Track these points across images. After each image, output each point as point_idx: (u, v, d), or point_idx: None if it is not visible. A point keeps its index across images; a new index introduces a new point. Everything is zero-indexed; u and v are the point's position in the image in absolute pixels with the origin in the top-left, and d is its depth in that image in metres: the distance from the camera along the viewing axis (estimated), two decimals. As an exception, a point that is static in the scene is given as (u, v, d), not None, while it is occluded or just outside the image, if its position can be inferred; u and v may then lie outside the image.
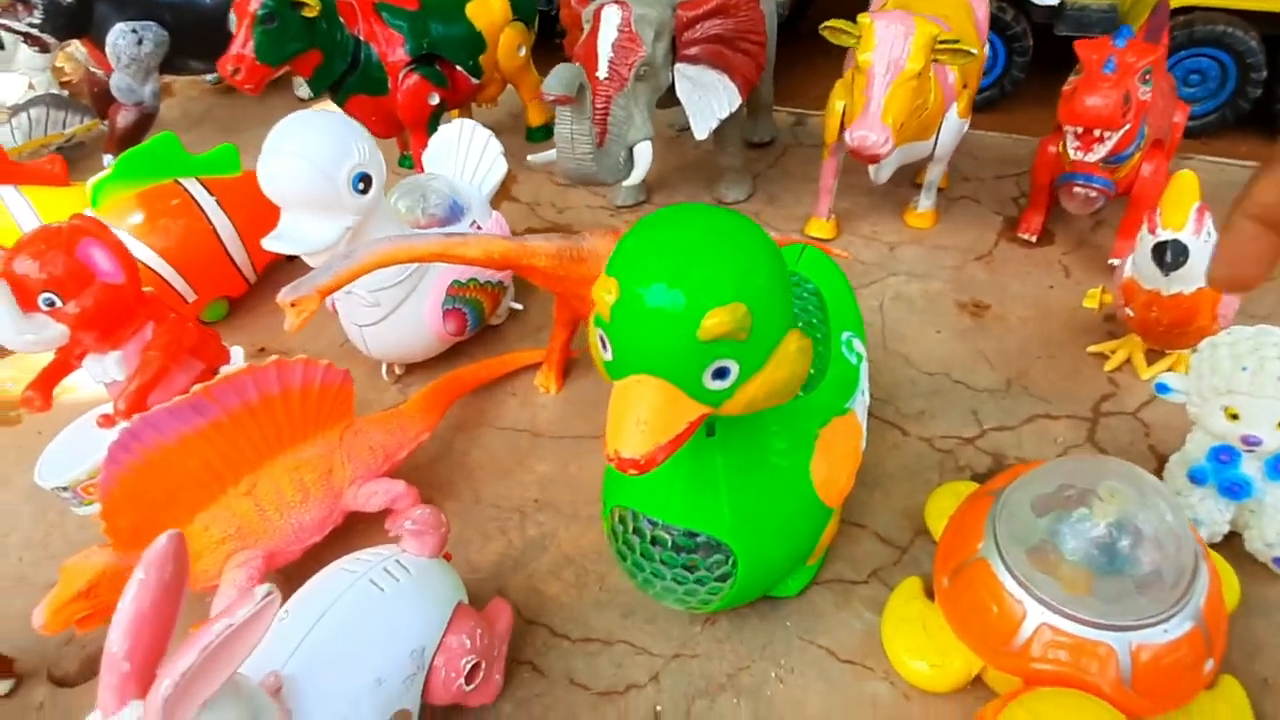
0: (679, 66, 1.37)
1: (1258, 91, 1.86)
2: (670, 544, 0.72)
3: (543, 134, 1.91)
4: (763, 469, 0.75)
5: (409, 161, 1.80)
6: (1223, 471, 0.97)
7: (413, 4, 1.56)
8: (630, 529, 0.75)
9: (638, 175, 1.32)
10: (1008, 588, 0.82)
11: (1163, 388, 1.02)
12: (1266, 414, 0.92)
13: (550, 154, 1.31)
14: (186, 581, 0.65)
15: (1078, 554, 0.80)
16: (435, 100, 1.59)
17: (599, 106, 1.29)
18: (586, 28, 1.32)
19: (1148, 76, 1.15)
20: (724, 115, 1.43)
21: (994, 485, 0.94)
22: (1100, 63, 1.12)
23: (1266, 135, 1.92)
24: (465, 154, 1.38)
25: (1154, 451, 1.14)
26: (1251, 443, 0.93)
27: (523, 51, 1.74)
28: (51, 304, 0.98)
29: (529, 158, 1.35)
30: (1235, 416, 0.94)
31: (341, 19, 1.48)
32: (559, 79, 1.18)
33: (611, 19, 1.28)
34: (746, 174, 1.68)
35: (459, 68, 1.63)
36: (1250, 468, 0.96)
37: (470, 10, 1.63)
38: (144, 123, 1.79)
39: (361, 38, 1.51)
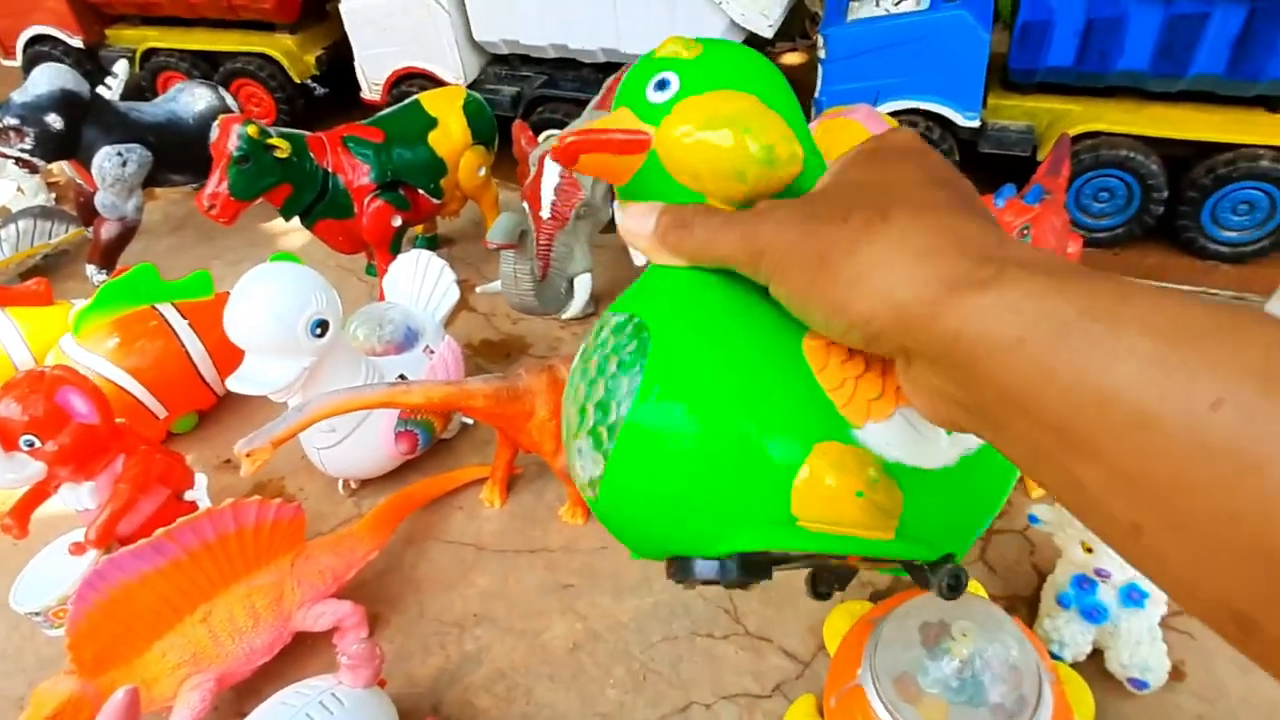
0: (617, 202, 1.51)
1: (1160, 209, 2.02)
2: (610, 326, 0.45)
3: (502, 243, 2.04)
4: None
5: (374, 270, 1.93)
6: (1084, 597, 1.09)
7: (378, 136, 1.69)
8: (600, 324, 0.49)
9: (576, 306, 1.45)
10: (878, 715, 0.93)
11: (1034, 519, 1.14)
12: (1115, 549, 1.04)
13: (495, 285, 1.44)
14: (139, 729, 0.75)
15: (936, 686, 0.91)
16: (398, 222, 1.72)
17: (543, 243, 1.42)
18: (532, 171, 1.46)
19: (1026, 233, 1.29)
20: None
21: (876, 613, 1.05)
22: (981, 221, 1.26)
23: (1172, 247, 2.08)
24: (421, 282, 1.51)
25: (1036, 570, 1.25)
26: (1103, 575, 1.05)
27: (483, 172, 1.88)
28: (31, 444, 1.08)
29: (477, 289, 1.48)
30: (1089, 550, 1.07)
31: (311, 153, 1.61)
32: (501, 229, 1.31)
33: (554, 165, 1.42)
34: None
35: (421, 191, 1.76)
36: (1107, 595, 1.08)
37: (432, 138, 1.77)
38: (126, 235, 1.91)
39: (329, 168, 1.64)
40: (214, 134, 1.50)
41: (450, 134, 1.79)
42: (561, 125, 2.36)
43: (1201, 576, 0.22)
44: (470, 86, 2.49)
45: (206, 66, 2.79)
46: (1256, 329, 0.22)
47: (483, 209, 2.00)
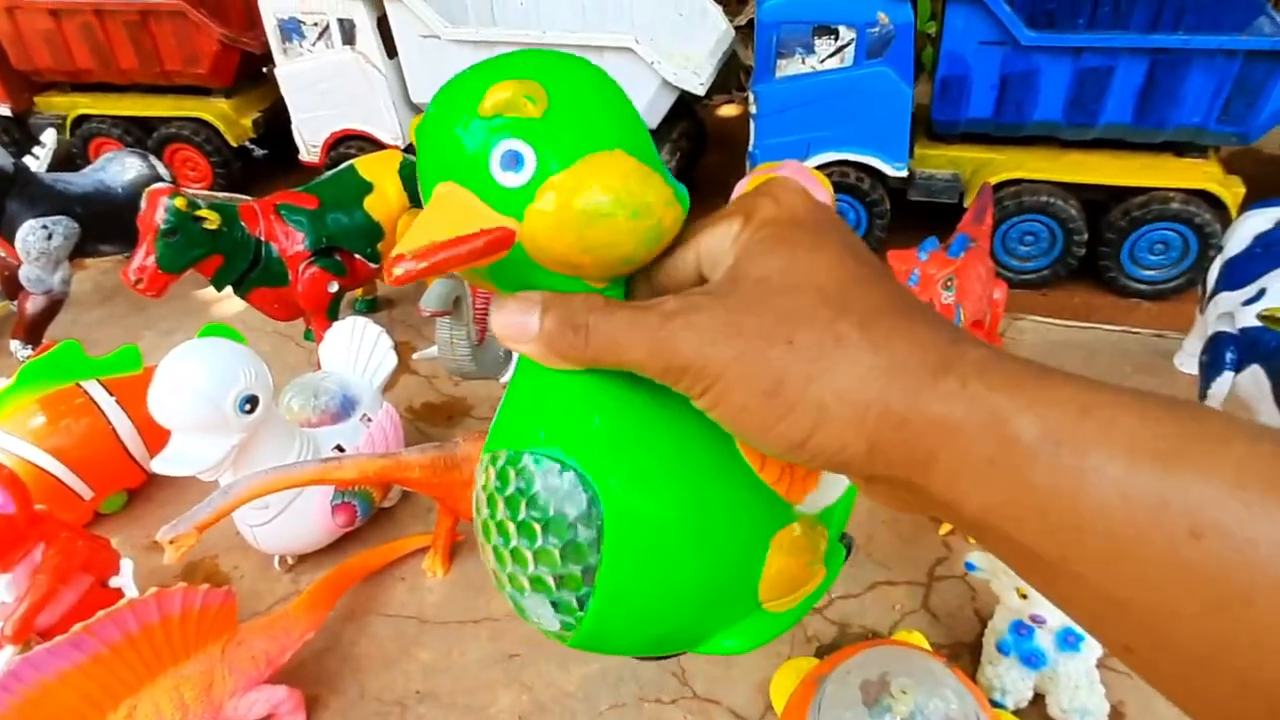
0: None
1: (1082, 251, 2.10)
2: (520, 468, 0.36)
3: (443, 304, 2.04)
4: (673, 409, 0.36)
5: (312, 335, 1.90)
6: (1022, 644, 1.10)
7: (312, 203, 1.69)
8: (495, 472, 0.38)
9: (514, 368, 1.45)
10: (824, 777, 0.93)
11: (970, 566, 1.16)
12: (1048, 595, 1.06)
13: (433, 350, 1.43)
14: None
15: (878, 746, 0.91)
16: (334, 288, 1.71)
17: (479, 307, 1.42)
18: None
19: (950, 283, 1.33)
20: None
21: (821, 670, 1.05)
22: (906, 274, 1.30)
23: (1096, 286, 2.17)
24: (357, 350, 1.49)
25: (978, 615, 1.27)
26: (1038, 620, 1.07)
27: (420, 234, 1.87)
28: (-59, 538, 1.04)
29: (414, 355, 1.47)
30: (1024, 596, 1.08)
31: (243, 223, 1.60)
32: (435, 296, 1.31)
33: (487, 231, 1.42)
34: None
35: (358, 256, 1.76)
36: (1044, 640, 1.09)
37: (368, 203, 1.77)
38: (53, 308, 1.86)
39: (262, 237, 1.63)
40: (143, 205, 1.48)
41: (386, 198, 1.79)
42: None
43: (1194, 702, 0.22)
44: (409, 148, 2.51)
45: (140, 132, 2.76)
46: (1223, 437, 0.22)
47: (422, 270, 1.99)
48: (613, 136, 0.33)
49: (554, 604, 0.35)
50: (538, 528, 0.34)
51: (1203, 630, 0.21)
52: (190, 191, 1.56)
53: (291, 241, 1.65)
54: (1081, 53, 1.92)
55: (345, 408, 1.41)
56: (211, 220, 1.49)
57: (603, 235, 0.32)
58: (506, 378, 1.47)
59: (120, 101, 2.77)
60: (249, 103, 2.78)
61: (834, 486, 0.39)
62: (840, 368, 0.27)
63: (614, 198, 0.32)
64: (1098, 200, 2.10)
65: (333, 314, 1.75)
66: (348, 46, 2.35)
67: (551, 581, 0.35)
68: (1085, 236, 2.09)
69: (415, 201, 1.86)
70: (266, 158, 2.98)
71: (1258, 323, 1.28)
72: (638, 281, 0.35)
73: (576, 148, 0.32)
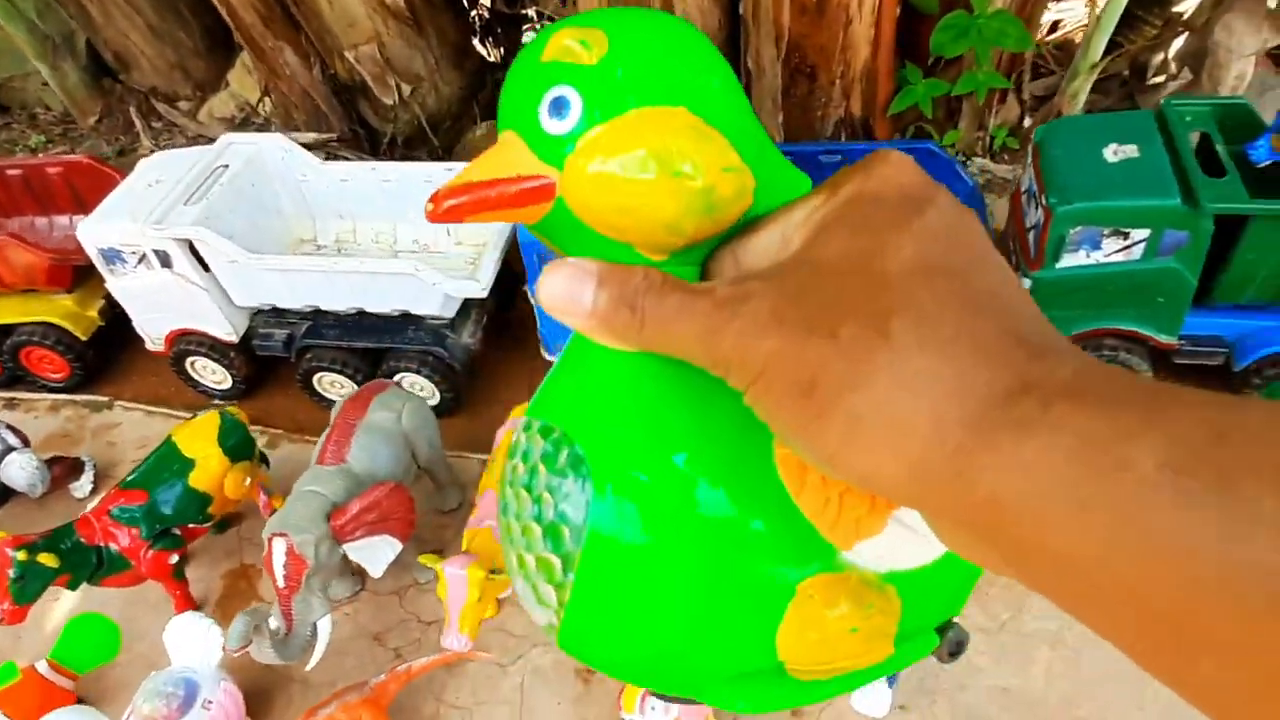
0: (345, 545, 1.89)
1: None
2: (533, 441, 0.37)
3: (282, 519, 2.38)
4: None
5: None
6: None
7: (141, 498, 2.01)
8: (525, 437, 0.38)
9: (321, 647, 1.83)
10: None
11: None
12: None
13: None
14: None
15: None
16: (175, 559, 2.05)
17: (283, 606, 1.79)
18: (265, 548, 1.81)
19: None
20: (393, 558, 1.96)
21: None
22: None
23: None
24: (193, 636, 1.86)
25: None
26: None
27: (248, 481, 2.21)
28: None
29: (225, 647, 1.84)
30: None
31: (80, 536, 1.92)
32: (236, 636, 1.67)
33: (279, 549, 1.78)
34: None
35: (192, 524, 2.09)
36: None
37: (193, 479, 2.08)
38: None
39: (101, 542, 1.95)
40: None
41: (210, 469, 2.11)
42: (332, 370, 2.69)
43: None
44: (243, 338, 2.78)
45: (-10, 341, 2.97)
46: None
47: (258, 503, 2.33)
48: (677, 93, 0.31)
49: (535, 591, 0.35)
50: (534, 503, 0.35)
51: None
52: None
53: (128, 535, 1.98)
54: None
55: (189, 698, 1.78)
56: (51, 561, 1.81)
57: (640, 194, 0.30)
58: (313, 663, 1.85)
59: (-36, 313, 2.96)
60: (92, 293, 2.98)
61: (914, 544, 0.33)
62: (885, 372, 0.23)
63: (652, 153, 0.30)
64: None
65: (179, 574, 2.10)
66: (166, 269, 2.60)
67: (533, 563, 0.35)
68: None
69: (238, 457, 2.18)
70: (121, 331, 3.09)
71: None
72: (723, 260, 0.32)
73: (628, 99, 0.30)
